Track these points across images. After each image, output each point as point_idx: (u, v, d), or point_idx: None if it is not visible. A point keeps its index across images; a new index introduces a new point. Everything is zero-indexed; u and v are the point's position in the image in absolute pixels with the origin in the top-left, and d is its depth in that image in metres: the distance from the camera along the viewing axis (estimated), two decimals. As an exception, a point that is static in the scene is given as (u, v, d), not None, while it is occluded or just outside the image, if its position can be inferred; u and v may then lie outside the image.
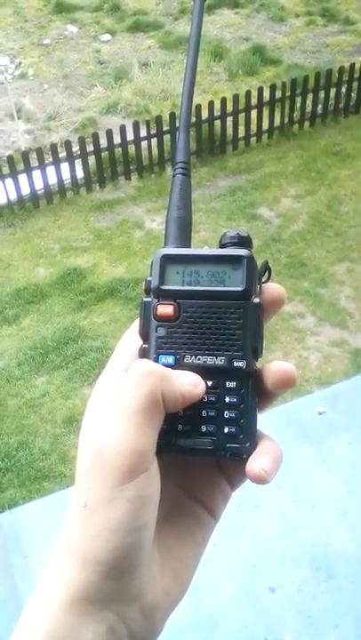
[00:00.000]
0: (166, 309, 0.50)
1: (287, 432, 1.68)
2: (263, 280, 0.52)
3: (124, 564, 0.44)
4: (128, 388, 0.46)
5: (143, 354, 0.50)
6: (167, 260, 0.51)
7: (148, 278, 0.51)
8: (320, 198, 7.44)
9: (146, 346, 0.50)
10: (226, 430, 0.49)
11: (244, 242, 0.52)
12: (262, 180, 7.79)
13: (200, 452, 0.49)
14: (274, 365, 0.50)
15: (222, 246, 0.53)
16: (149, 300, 0.51)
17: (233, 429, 0.49)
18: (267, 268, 0.52)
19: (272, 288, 0.52)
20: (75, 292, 6.38)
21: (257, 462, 0.47)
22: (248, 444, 0.49)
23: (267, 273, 0.53)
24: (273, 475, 0.47)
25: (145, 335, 0.51)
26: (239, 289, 0.50)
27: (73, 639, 0.43)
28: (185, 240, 0.54)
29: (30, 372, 5.56)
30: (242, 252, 0.51)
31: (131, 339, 0.53)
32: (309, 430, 1.68)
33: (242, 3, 11.99)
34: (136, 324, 0.53)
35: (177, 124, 7.24)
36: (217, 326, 0.50)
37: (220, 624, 1.33)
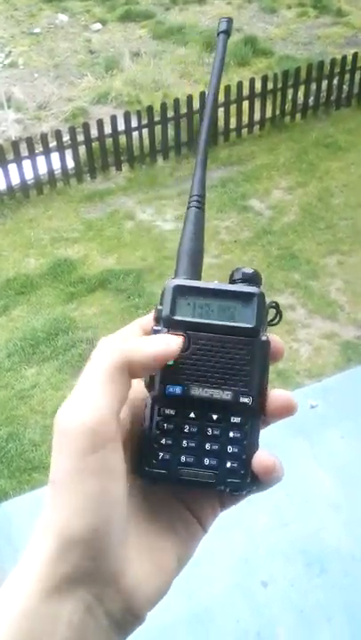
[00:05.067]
0: None
1: (279, 425, 1.67)
2: (272, 320, 0.54)
3: (100, 542, 0.44)
4: (90, 363, 0.48)
5: (150, 383, 0.50)
6: (179, 290, 0.51)
7: (159, 307, 0.51)
8: (311, 190, 7.43)
9: (153, 374, 0.50)
10: (228, 465, 0.50)
11: (254, 279, 0.53)
12: (253, 172, 7.76)
13: (201, 484, 0.50)
14: (274, 394, 0.51)
15: (233, 282, 0.53)
16: (159, 328, 0.51)
17: (235, 464, 0.50)
18: (274, 307, 0.54)
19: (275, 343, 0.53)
20: (65, 283, 6.35)
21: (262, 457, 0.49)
22: (248, 480, 0.50)
23: (277, 315, 0.54)
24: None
25: None
26: (249, 326, 0.50)
27: (50, 618, 0.43)
28: (195, 273, 0.55)
29: (20, 363, 5.53)
30: (253, 289, 0.52)
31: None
32: (302, 424, 1.67)
33: (234, -7, 11.93)
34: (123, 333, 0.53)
35: (168, 115, 7.15)
36: (225, 360, 0.50)
37: (212, 618, 1.33)
